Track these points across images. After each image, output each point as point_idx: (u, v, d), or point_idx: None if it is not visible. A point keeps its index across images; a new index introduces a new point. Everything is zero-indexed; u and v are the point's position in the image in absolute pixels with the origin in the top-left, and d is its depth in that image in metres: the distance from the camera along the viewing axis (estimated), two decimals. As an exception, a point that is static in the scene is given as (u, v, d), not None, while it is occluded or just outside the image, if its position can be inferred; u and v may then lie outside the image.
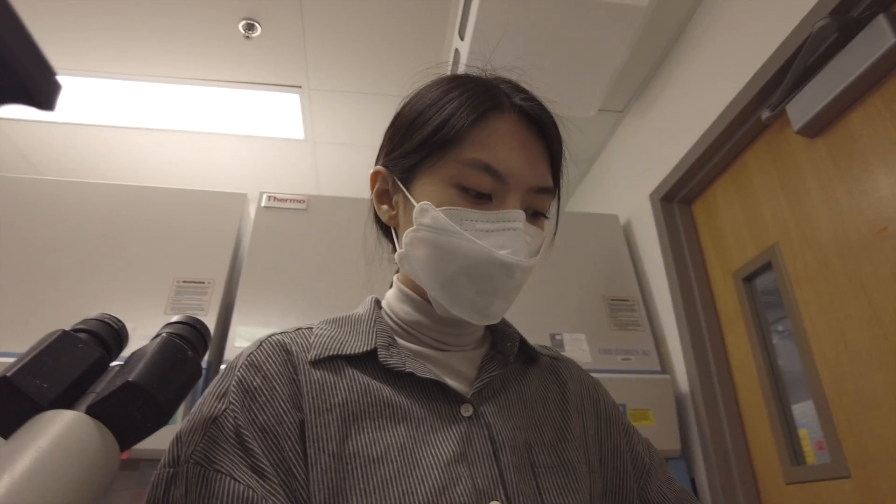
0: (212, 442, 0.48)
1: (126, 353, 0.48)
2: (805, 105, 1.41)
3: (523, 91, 0.64)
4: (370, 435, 0.53)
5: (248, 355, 0.56)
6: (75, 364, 0.41)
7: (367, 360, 0.58)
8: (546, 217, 0.63)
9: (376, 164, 0.68)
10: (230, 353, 1.65)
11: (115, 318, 0.49)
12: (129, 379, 0.40)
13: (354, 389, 0.55)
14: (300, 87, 2.20)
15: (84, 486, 0.35)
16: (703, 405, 1.72)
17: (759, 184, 1.66)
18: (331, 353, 0.57)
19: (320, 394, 0.54)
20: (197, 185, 2.10)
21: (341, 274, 1.88)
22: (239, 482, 0.46)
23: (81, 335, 0.44)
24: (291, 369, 0.55)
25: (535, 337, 1.99)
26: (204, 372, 1.65)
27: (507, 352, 0.65)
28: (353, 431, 0.52)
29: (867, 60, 1.25)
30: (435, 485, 0.50)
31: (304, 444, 0.51)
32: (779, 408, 1.55)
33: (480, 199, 0.57)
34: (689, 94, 1.92)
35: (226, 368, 0.56)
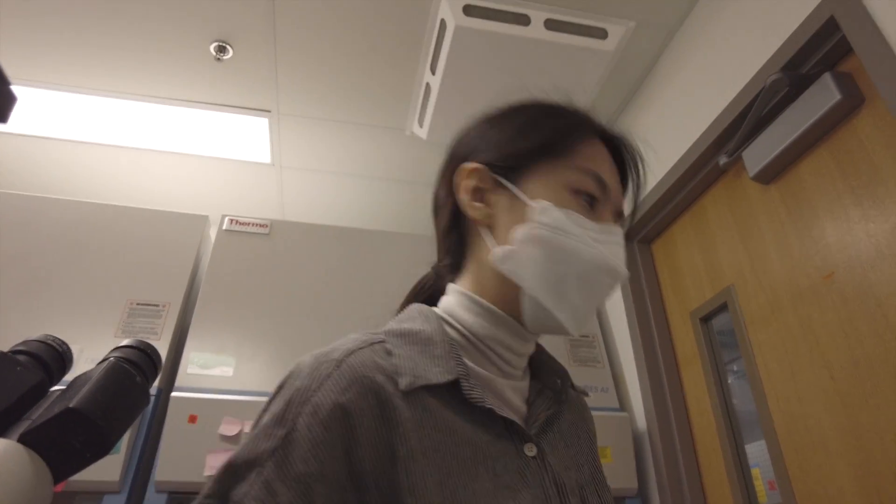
0: (269, 490, 0.44)
1: (69, 377, 0.45)
2: (759, 153, 1.48)
3: (619, 129, 0.70)
4: (460, 479, 0.49)
5: (324, 383, 0.49)
6: (12, 388, 0.39)
7: (446, 390, 0.53)
8: None
9: (465, 161, 0.64)
10: (182, 381, 1.60)
11: (58, 339, 0.46)
12: (70, 405, 0.38)
13: (442, 428, 0.51)
14: (269, 111, 2.19)
15: (11, 520, 0.33)
16: (660, 443, 1.73)
17: (716, 226, 1.72)
18: (420, 384, 0.52)
19: (416, 434, 0.49)
20: (158, 205, 2.05)
21: (302, 301, 1.85)
22: None
23: (20, 357, 0.42)
24: (378, 403, 0.49)
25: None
26: (152, 399, 1.59)
27: (555, 387, 0.65)
28: (450, 478, 0.48)
29: (815, 114, 1.32)
30: None
31: (397, 496, 0.46)
32: (732, 447, 1.57)
33: (589, 210, 0.61)
34: (651, 137, 1.98)
35: (291, 390, 0.50)
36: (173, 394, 1.54)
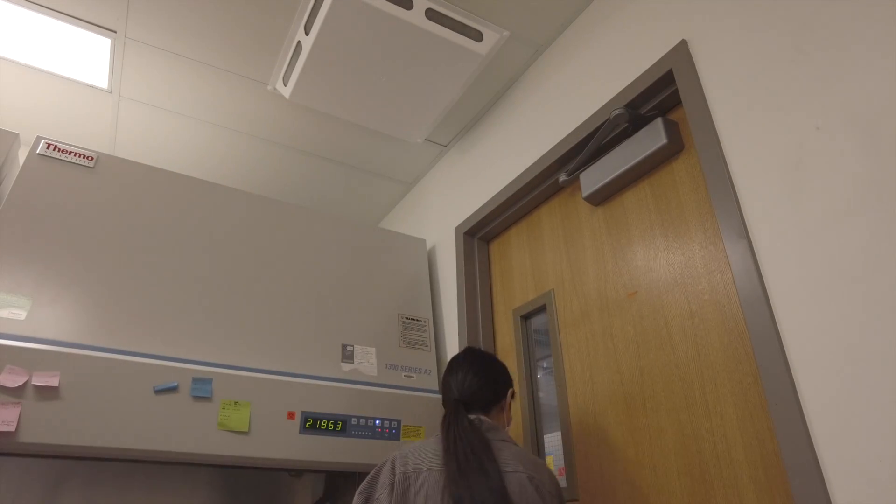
0: None
1: None
2: (594, 177, 1.64)
3: None
4: None
5: None
6: None
7: None
8: None
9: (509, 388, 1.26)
10: (-42, 317, 1.38)
11: None
12: None
13: None
14: (115, 31, 1.95)
15: None
16: (469, 428, 1.85)
17: (548, 236, 1.88)
18: None
19: None
20: (-48, 110, 1.73)
21: (120, 247, 1.69)
22: None
23: None
24: None
25: (327, 346, 1.98)
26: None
27: None
28: None
29: (644, 152, 1.49)
30: None
31: None
32: (533, 436, 1.74)
33: None
34: (504, 144, 2.10)
35: None
36: None
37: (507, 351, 1.94)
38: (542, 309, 1.84)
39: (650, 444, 1.35)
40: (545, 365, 1.82)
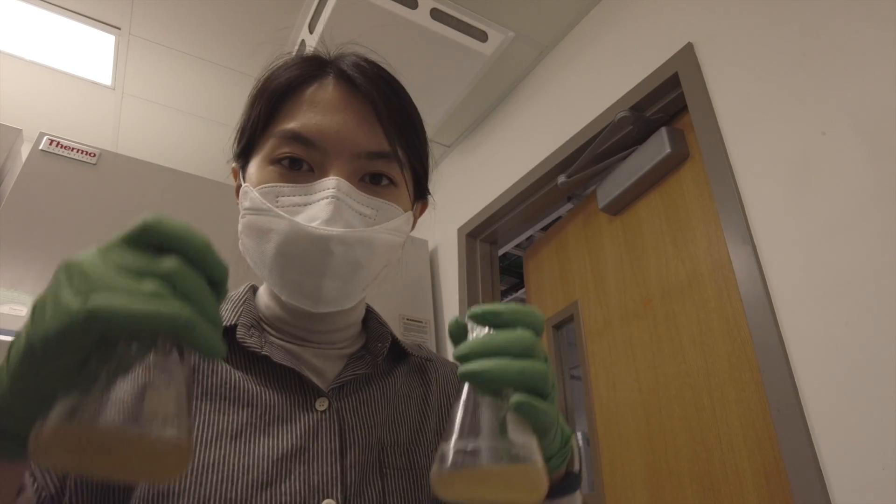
0: None
1: None
2: (608, 188, 1.64)
3: (353, 57, 0.59)
4: (206, 417, 0.49)
5: None
6: None
7: (224, 339, 0.55)
8: (394, 184, 0.57)
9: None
10: (-43, 312, 1.37)
11: None
12: None
13: (200, 368, 0.51)
14: (119, 28, 1.95)
15: None
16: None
17: (573, 247, 1.87)
18: None
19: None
20: (-45, 105, 1.73)
21: (124, 244, 1.69)
22: None
23: None
24: None
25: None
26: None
27: (377, 352, 0.61)
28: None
29: (650, 162, 1.49)
30: (260, 477, 0.47)
31: None
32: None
33: (299, 172, 0.53)
34: (508, 146, 2.09)
35: None
36: None
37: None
38: (570, 319, 1.83)
39: (665, 450, 1.35)
40: (574, 374, 1.87)
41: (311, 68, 0.58)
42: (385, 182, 0.56)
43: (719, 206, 1.24)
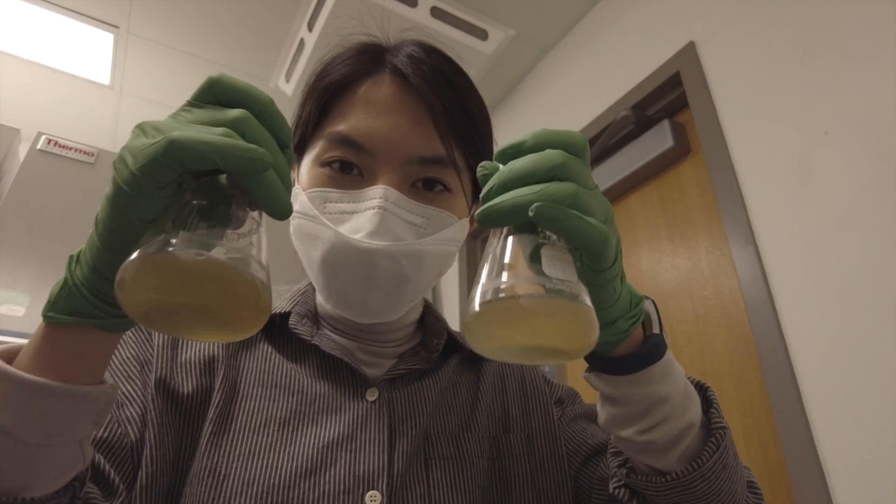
0: None
1: None
2: (601, 179, 1.62)
3: (410, 47, 0.55)
4: (255, 403, 0.50)
5: None
6: None
7: (276, 329, 0.55)
8: (449, 190, 0.53)
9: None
10: (-45, 313, 1.37)
11: None
12: None
13: (256, 357, 0.53)
14: (118, 27, 1.94)
15: None
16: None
17: None
18: None
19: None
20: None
21: (123, 244, 1.68)
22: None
23: None
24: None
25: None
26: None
27: (432, 348, 0.58)
28: (239, 397, 0.50)
29: (651, 154, 1.48)
30: (305, 464, 0.46)
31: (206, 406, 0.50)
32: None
33: (349, 176, 0.51)
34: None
35: None
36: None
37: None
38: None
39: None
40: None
41: (366, 63, 0.55)
42: (439, 188, 0.53)
43: (721, 204, 1.23)
